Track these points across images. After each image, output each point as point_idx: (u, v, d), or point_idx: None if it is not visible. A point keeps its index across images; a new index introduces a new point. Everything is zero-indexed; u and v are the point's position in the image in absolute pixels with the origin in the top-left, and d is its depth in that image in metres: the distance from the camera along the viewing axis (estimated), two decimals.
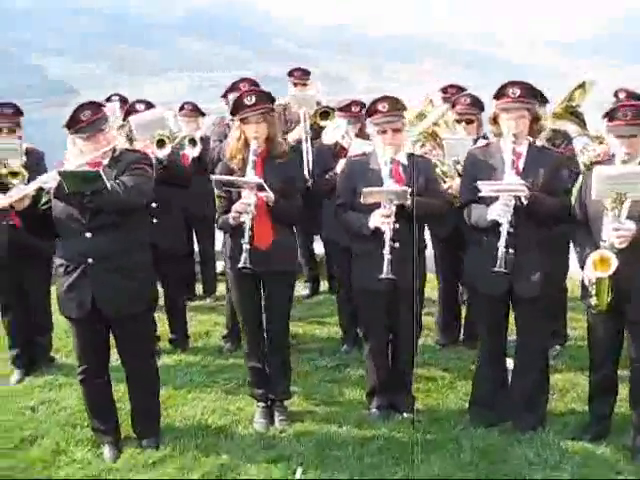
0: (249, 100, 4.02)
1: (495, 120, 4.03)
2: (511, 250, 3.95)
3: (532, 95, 3.97)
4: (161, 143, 5.06)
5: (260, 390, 4.47)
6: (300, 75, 6.84)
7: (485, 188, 3.83)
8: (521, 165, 4.00)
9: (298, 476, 3.81)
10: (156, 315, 5.72)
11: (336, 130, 5.12)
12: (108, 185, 3.65)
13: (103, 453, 4.16)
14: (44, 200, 3.79)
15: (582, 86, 5.41)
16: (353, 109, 5.19)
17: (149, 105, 5.41)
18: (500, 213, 3.83)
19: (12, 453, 4.18)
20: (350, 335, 5.50)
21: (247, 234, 3.94)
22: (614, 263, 3.63)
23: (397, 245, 4.04)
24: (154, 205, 5.21)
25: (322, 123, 5.62)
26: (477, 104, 5.27)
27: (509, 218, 3.81)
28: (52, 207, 3.80)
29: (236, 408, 4.64)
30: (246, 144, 4.07)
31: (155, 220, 5.22)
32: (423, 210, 4.07)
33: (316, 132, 5.71)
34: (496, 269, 3.81)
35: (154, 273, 4.18)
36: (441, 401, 4.71)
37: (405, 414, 4.44)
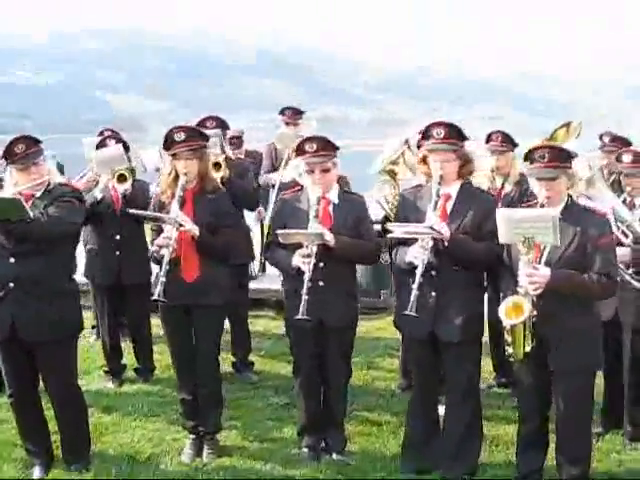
0: (179, 137, 4.13)
1: (424, 161, 4.02)
2: (433, 293, 3.92)
3: (458, 136, 3.93)
4: (122, 178, 5.23)
5: (190, 422, 4.49)
6: (291, 114, 6.96)
7: (395, 230, 3.81)
8: (449, 207, 3.96)
9: None
10: (122, 344, 5.92)
11: (294, 169, 5.18)
12: (31, 214, 3.81)
13: (33, 473, 4.23)
14: None
15: (567, 126, 5.38)
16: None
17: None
18: (416, 255, 3.78)
19: None
20: None
21: (164, 267, 4.03)
22: (527, 310, 3.53)
23: (321, 284, 4.04)
24: (118, 237, 5.37)
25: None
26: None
27: (424, 261, 3.76)
28: None
29: (172, 439, 4.67)
30: (177, 179, 4.17)
31: (118, 252, 5.39)
32: (347, 250, 4.06)
33: None
34: (407, 312, 3.75)
35: (77, 301, 4.22)
36: (379, 445, 4.63)
37: (335, 455, 4.38)
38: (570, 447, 3.77)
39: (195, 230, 4.10)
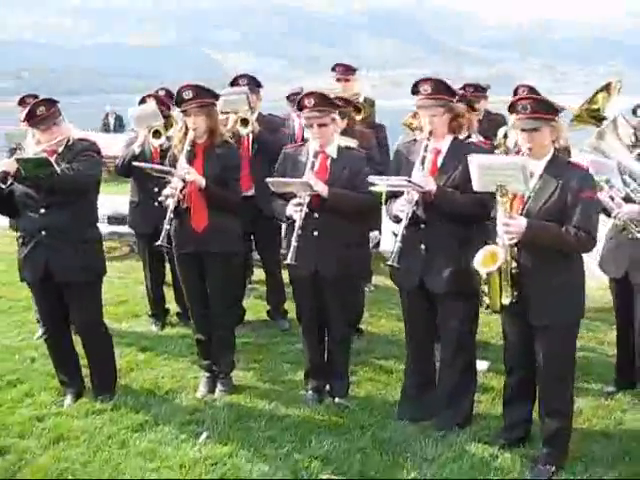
0: (187, 94, 4.38)
1: (415, 116, 4.07)
2: (422, 246, 4.00)
3: (446, 91, 3.95)
4: (157, 134, 5.55)
5: (205, 361, 4.82)
6: (342, 70, 6.95)
7: (378, 182, 3.90)
8: (439, 161, 4.01)
9: (201, 440, 4.11)
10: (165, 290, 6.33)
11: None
12: (58, 170, 4.18)
13: (64, 401, 4.70)
14: (9, 183, 4.33)
15: (606, 87, 5.23)
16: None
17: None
18: (401, 208, 3.88)
19: None
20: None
21: (168, 216, 4.35)
22: (500, 258, 3.54)
23: (316, 234, 4.22)
24: (156, 190, 5.62)
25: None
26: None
27: (408, 214, 3.84)
28: (14, 189, 4.35)
29: (193, 377, 5.01)
30: (187, 134, 4.43)
31: (156, 203, 5.67)
32: (341, 202, 4.20)
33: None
34: (389, 262, 3.87)
35: (100, 247, 4.61)
36: (386, 392, 4.78)
37: (337, 399, 4.58)
38: (550, 400, 3.79)
39: (201, 181, 4.36)
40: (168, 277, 6.28)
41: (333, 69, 6.93)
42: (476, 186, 3.61)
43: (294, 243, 4.10)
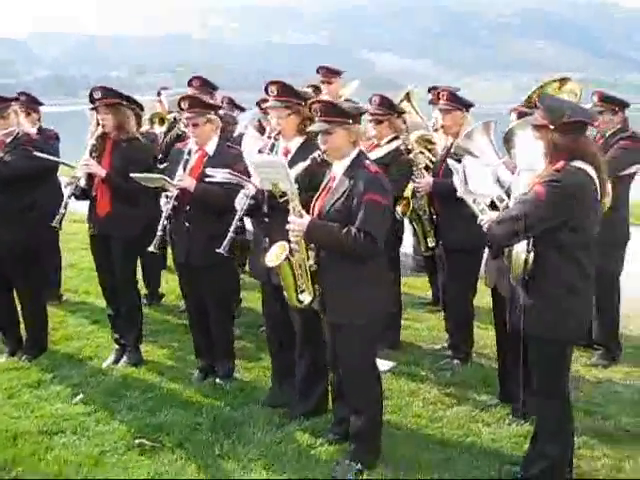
0: (96, 94, 4.91)
1: None
2: (266, 239, 4.23)
3: (293, 94, 4.15)
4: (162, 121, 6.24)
5: (115, 334, 5.38)
6: (325, 73, 7.21)
7: (215, 174, 4.28)
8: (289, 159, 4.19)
9: (75, 400, 4.64)
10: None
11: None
12: None
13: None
14: None
15: (561, 82, 5.19)
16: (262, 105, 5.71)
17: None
18: (238, 202, 4.18)
19: None
20: None
21: (64, 201, 4.92)
22: (284, 253, 3.70)
23: (187, 225, 4.61)
24: None
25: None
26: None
27: (243, 207, 4.14)
28: None
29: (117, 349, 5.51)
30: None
31: None
32: (207, 197, 4.52)
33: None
34: (219, 250, 4.20)
35: (33, 228, 5.15)
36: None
37: (217, 379, 4.93)
38: (353, 398, 3.91)
39: (100, 172, 4.89)
40: None
41: (317, 71, 7.20)
42: (259, 185, 3.84)
43: (159, 232, 4.53)
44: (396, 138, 5.43)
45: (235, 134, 6.04)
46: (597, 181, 3.40)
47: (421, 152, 5.50)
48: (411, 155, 5.30)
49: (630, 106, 5.48)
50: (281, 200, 3.77)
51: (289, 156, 4.23)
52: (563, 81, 5.06)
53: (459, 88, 5.89)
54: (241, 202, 4.15)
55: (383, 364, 5.25)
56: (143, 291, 6.81)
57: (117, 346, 5.36)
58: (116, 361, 5.27)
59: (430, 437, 4.28)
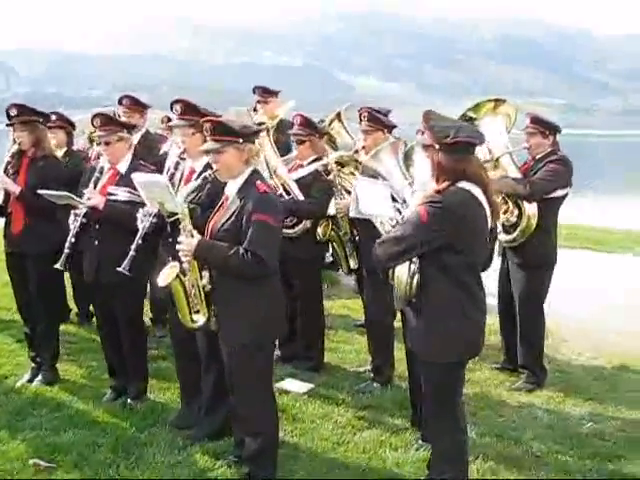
0: (13, 112, 4.91)
1: None
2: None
3: (196, 112, 4.15)
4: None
5: (31, 353, 5.32)
6: (260, 93, 7.22)
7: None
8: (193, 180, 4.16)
9: None
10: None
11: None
12: None
13: None
14: None
15: (497, 103, 5.21)
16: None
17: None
18: (139, 220, 4.18)
19: None
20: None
21: None
22: (174, 273, 3.69)
23: (96, 243, 4.59)
24: None
25: None
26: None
27: (145, 227, 4.16)
28: None
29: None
30: None
31: None
32: (115, 215, 4.50)
33: None
34: (119, 269, 4.21)
35: None
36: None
37: (129, 400, 4.87)
38: (246, 422, 3.90)
39: (15, 189, 4.86)
40: None
41: (253, 91, 7.20)
42: (148, 204, 3.87)
43: (66, 250, 4.52)
44: (319, 159, 5.45)
45: (161, 152, 6.00)
46: (485, 202, 3.41)
47: (351, 173, 5.47)
48: (330, 176, 5.31)
49: (562, 131, 5.51)
50: (170, 220, 3.76)
51: (194, 175, 4.22)
52: (498, 102, 5.12)
53: (390, 110, 5.92)
54: (143, 221, 4.14)
55: (301, 386, 5.26)
56: (74, 310, 6.85)
57: (33, 364, 5.29)
58: (31, 380, 5.21)
59: (333, 461, 4.24)
